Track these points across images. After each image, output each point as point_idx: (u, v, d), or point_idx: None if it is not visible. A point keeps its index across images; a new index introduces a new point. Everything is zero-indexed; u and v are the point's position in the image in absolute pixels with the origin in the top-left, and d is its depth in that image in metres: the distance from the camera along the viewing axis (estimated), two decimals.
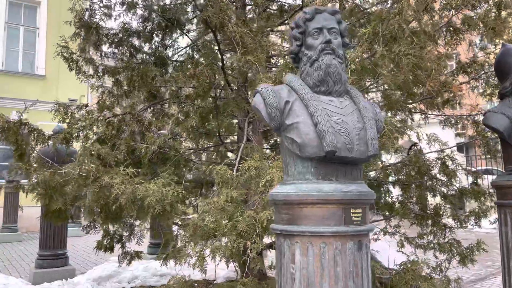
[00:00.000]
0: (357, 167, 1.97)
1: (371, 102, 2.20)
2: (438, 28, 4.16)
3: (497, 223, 3.11)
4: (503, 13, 4.04)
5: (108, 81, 5.93)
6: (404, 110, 4.44)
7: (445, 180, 4.88)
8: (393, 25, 2.96)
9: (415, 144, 6.97)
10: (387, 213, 5.36)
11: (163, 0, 5.48)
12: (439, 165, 4.44)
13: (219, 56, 4.24)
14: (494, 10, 3.60)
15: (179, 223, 4.05)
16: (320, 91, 1.96)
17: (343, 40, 2.08)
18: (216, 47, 4.31)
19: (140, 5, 5.32)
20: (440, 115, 4.94)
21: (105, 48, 5.77)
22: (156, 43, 6.02)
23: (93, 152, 4.56)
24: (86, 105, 5.53)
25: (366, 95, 4.67)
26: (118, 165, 4.48)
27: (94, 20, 5.33)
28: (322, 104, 1.91)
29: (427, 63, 3.51)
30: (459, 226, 4.61)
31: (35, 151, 4.61)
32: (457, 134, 5.68)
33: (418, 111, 5.02)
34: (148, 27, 5.83)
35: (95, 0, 5.35)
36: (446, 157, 4.50)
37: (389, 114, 4.93)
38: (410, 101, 4.35)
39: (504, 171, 3.13)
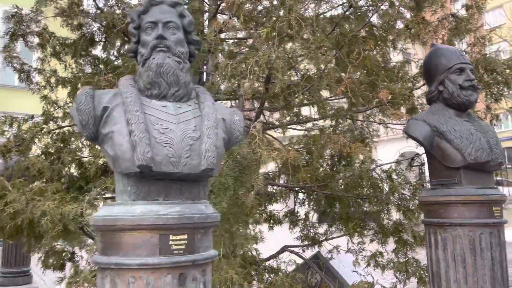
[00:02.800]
0: (199, 184, 1.68)
1: (233, 108, 1.91)
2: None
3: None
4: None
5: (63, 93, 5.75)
6: (354, 120, 4.13)
7: (408, 194, 4.54)
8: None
9: (417, 154, 6.59)
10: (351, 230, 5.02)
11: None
12: (385, 178, 4.09)
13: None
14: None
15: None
16: (152, 95, 1.69)
17: (190, 37, 1.81)
18: None
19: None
20: (399, 124, 4.60)
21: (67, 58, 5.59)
22: (111, 51, 5.84)
23: (28, 166, 4.35)
24: (32, 117, 5.34)
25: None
26: (60, 179, 4.26)
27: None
28: (149, 109, 1.63)
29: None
30: (415, 243, 4.24)
31: None
32: None
33: (376, 121, 4.70)
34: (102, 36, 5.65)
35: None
36: (390, 170, 4.15)
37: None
38: (362, 108, 4.03)
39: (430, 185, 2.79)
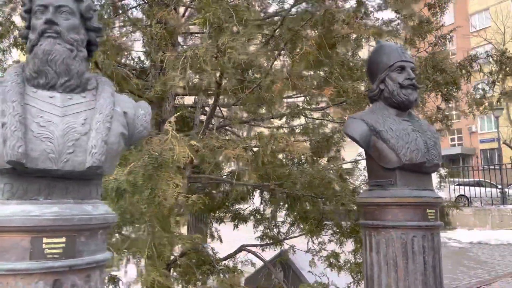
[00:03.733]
0: (89, 183, 1.56)
1: (141, 102, 1.79)
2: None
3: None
4: None
5: None
6: (306, 118, 4.05)
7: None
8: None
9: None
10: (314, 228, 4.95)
11: None
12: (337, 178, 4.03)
13: None
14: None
15: None
16: (39, 85, 1.56)
17: (90, 24, 1.69)
18: None
19: None
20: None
21: None
22: None
23: None
24: None
25: None
26: None
27: None
28: (33, 100, 1.51)
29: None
30: None
31: None
32: None
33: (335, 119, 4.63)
34: None
35: None
36: (341, 169, 4.09)
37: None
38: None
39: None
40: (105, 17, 4.26)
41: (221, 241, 6.29)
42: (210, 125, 4.29)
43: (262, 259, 4.60)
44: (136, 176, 1.90)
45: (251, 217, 5.94)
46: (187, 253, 4.30)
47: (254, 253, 4.66)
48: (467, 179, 17.89)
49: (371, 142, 2.55)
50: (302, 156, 3.01)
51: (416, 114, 3.90)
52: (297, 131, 5.55)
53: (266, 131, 4.53)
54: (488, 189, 16.75)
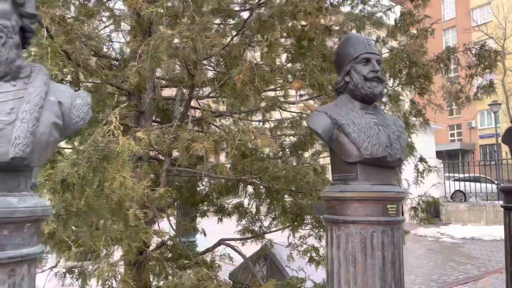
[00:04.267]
0: (19, 175, 1.52)
1: (80, 91, 1.74)
2: None
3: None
4: None
5: None
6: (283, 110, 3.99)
7: None
8: None
9: None
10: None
11: None
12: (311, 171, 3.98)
13: None
14: None
15: None
16: None
17: (22, 9, 1.63)
18: None
19: None
20: None
21: None
22: None
23: None
24: None
25: None
26: None
27: None
28: None
29: None
30: None
31: None
32: None
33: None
34: None
35: None
36: (314, 163, 4.04)
37: None
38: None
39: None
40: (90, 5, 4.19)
41: (205, 234, 6.26)
42: (192, 118, 4.24)
43: (240, 253, 4.57)
44: (80, 168, 1.86)
45: (235, 211, 5.91)
46: (163, 247, 4.28)
47: (232, 247, 4.63)
48: (465, 175, 17.87)
49: (333, 136, 2.50)
50: (272, 149, 2.94)
51: (388, 108, 3.86)
52: (285, 124, 5.51)
53: (248, 125, 4.49)
54: (485, 184, 16.72)
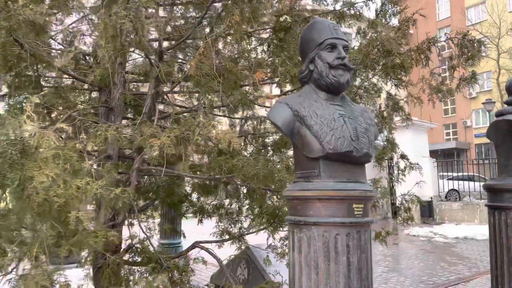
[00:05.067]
0: None
1: None
2: None
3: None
4: None
5: None
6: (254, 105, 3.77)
7: None
8: None
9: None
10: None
11: None
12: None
13: None
14: None
15: None
16: None
17: None
18: None
19: None
20: None
21: None
22: None
23: None
24: None
25: None
26: None
27: None
28: None
29: None
30: None
31: None
32: None
33: None
34: None
35: None
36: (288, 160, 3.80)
37: None
38: None
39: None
40: None
41: (184, 236, 6.04)
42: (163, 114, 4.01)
43: (215, 257, 4.34)
44: None
45: (216, 212, 5.69)
46: (129, 251, 4.05)
47: (207, 250, 4.39)
48: (459, 174, 17.71)
49: (295, 129, 2.28)
50: (235, 145, 2.73)
51: (363, 101, 3.63)
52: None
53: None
54: (479, 183, 16.54)
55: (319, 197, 2.15)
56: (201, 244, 4.56)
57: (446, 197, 17.27)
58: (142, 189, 5.01)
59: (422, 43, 3.37)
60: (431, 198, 15.98)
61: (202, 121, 2.62)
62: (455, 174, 17.68)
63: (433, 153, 22.40)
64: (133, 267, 4.19)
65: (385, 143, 3.74)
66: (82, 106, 3.82)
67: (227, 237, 5.05)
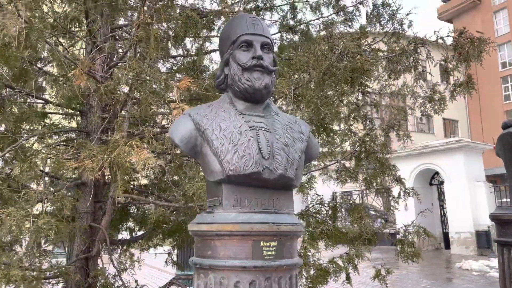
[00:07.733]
0: None
1: None
2: None
3: None
4: None
5: None
6: None
7: None
8: None
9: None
10: None
11: None
12: None
13: None
14: None
15: None
16: None
17: None
18: None
19: None
20: None
21: None
22: None
23: None
24: None
25: None
26: None
27: None
28: None
29: None
30: None
31: None
32: None
33: None
34: None
35: None
36: None
37: None
38: None
39: None
40: None
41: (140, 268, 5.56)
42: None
43: None
44: None
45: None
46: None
47: None
48: None
49: (197, 147, 1.83)
50: (149, 166, 2.32)
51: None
52: None
53: None
54: None
55: (217, 233, 1.66)
56: (179, 281, 4.13)
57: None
58: (124, 218, 4.72)
59: (408, 45, 2.79)
60: (488, 227, 14.37)
61: (117, 140, 2.26)
62: None
63: (492, 177, 20.43)
64: None
65: (377, 165, 3.13)
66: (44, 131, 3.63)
67: None
